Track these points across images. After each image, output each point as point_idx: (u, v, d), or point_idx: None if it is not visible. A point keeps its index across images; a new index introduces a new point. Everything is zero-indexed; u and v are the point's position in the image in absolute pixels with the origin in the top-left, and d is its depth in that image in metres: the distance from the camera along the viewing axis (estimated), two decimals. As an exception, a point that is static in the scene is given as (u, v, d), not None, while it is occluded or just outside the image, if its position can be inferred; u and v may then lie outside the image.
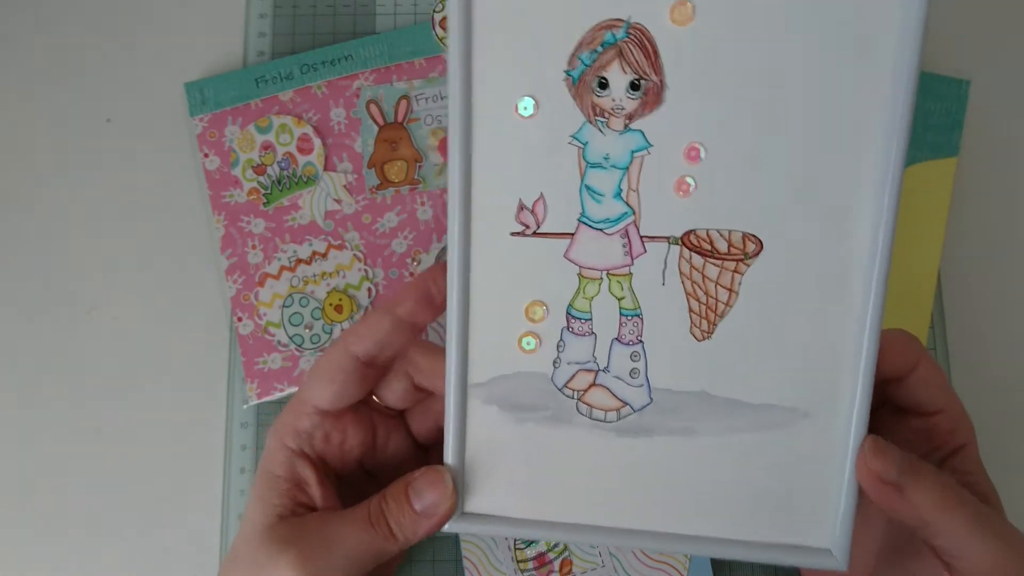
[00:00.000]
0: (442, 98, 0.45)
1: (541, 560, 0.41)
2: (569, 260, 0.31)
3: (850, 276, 0.30)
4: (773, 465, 0.31)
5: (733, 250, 0.30)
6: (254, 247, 0.45)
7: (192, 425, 0.44)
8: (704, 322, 0.31)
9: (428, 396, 0.36)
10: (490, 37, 0.29)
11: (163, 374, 0.45)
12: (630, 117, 0.29)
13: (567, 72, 0.29)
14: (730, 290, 0.30)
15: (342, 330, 0.44)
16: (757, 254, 0.30)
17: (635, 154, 0.30)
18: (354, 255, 0.45)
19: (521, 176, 0.30)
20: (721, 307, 0.30)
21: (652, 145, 0.30)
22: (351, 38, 0.47)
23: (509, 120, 0.30)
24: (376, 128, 0.45)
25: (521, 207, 0.30)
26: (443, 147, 0.45)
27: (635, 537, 0.32)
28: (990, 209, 0.46)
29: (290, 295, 0.44)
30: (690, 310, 0.30)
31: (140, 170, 0.47)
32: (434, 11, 0.46)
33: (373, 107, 0.45)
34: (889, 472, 0.29)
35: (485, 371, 0.31)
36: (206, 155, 0.45)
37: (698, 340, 0.31)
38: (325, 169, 0.45)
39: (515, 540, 0.42)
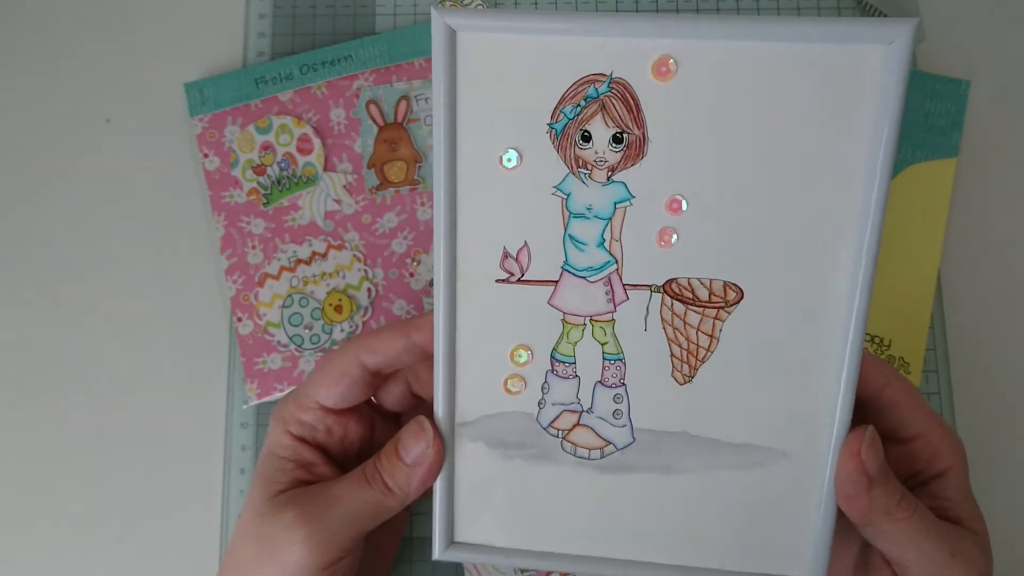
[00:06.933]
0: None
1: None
2: (553, 307, 0.31)
3: (829, 323, 0.30)
4: (751, 500, 0.32)
5: (714, 298, 0.31)
6: (254, 247, 0.45)
7: (192, 425, 0.44)
8: (685, 366, 0.31)
9: (423, 402, 0.37)
10: (475, 91, 0.30)
11: (163, 374, 0.45)
12: (613, 169, 0.30)
13: (550, 125, 0.30)
14: (711, 336, 0.31)
15: (341, 329, 0.44)
16: (738, 302, 0.31)
17: (618, 205, 0.30)
18: (354, 255, 0.45)
19: (505, 225, 0.31)
20: (702, 352, 0.31)
21: (634, 197, 0.30)
22: (351, 38, 0.47)
23: (493, 171, 0.30)
24: (376, 128, 0.45)
25: (505, 255, 0.31)
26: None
27: (616, 566, 0.33)
28: (990, 209, 0.46)
29: (290, 295, 0.44)
30: (672, 355, 0.31)
31: (140, 170, 0.47)
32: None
33: (373, 107, 0.45)
34: (871, 464, 0.30)
35: (472, 411, 0.33)
36: (206, 155, 0.45)
37: (680, 384, 0.31)
38: (325, 169, 0.45)
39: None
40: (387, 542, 0.40)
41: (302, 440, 0.35)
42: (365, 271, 0.45)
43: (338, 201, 0.45)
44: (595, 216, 0.30)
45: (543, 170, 0.30)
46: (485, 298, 0.31)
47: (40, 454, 0.44)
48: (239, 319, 0.44)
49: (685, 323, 0.31)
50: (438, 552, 0.33)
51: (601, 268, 0.31)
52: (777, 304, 0.30)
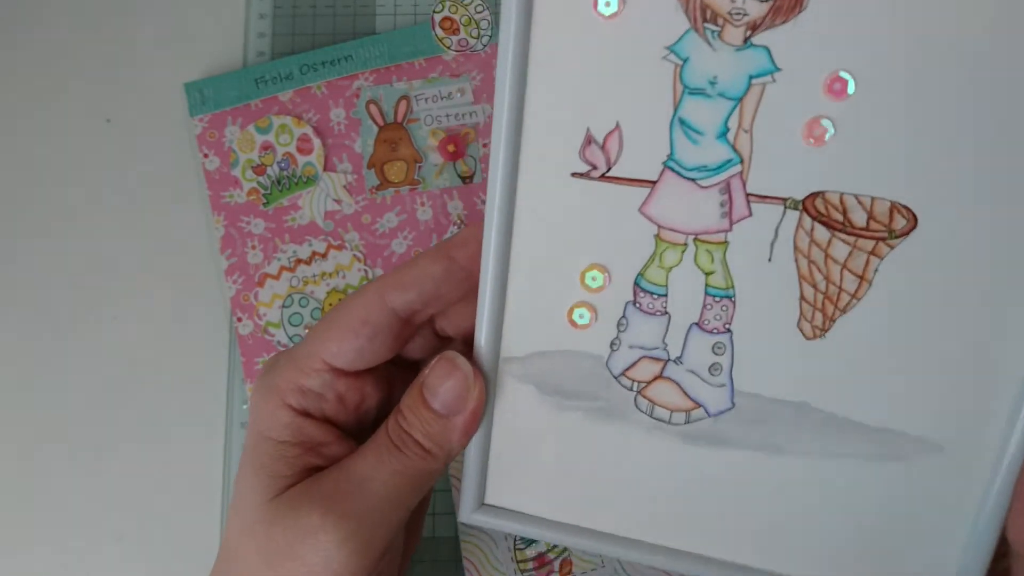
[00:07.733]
0: (442, 99, 0.45)
1: (541, 560, 0.42)
2: (645, 216, 0.24)
3: None
4: (883, 502, 0.24)
5: (874, 225, 0.22)
6: (254, 247, 0.45)
7: (192, 425, 0.44)
8: (819, 315, 0.23)
9: (451, 343, 0.29)
10: None
11: (163, 374, 0.45)
12: (754, 27, 0.21)
13: None
14: (861, 278, 0.23)
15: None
16: (907, 233, 0.22)
17: (754, 80, 0.22)
18: (354, 255, 0.45)
19: (592, 98, 0.23)
20: (845, 298, 0.23)
21: (780, 69, 0.22)
22: (351, 38, 0.47)
23: (584, 18, 0.22)
24: (376, 128, 0.45)
25: (589, 140, 0.23)
26: (443, 147, 0.45)
27: (687, 561, 0.26)
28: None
29: (290, 295, 0.44)
30: (802, 297, 0.23)
31: (140, 170, 0.47)
32: (434, 11, 0.46)
33: (373, 107, 0.45)
34: None
35: (523, 344, 0.25)
36: (206, 155, 0.45)
37: (807, 337, 0.24)
38: (325, 169, 0.45)
39: (515, 540, 0.42)
40: (415, 514, 0.30)
41: (306, 414, 0.26)
42: (365, 271, 0.45)
43: (338, 201, 0.45)
44: (720, 94, 0.22)
45: (653, 21, 0.22)
46: (555, 197, 0.24)
47: (40, 453, 0.44)
48: (239, 319, 0.44)
49: (827, 256, 0.23)
50: (466, 514, 0.27)
51: (719, 169, 0.23)
52: (962, 242, 0.22)
